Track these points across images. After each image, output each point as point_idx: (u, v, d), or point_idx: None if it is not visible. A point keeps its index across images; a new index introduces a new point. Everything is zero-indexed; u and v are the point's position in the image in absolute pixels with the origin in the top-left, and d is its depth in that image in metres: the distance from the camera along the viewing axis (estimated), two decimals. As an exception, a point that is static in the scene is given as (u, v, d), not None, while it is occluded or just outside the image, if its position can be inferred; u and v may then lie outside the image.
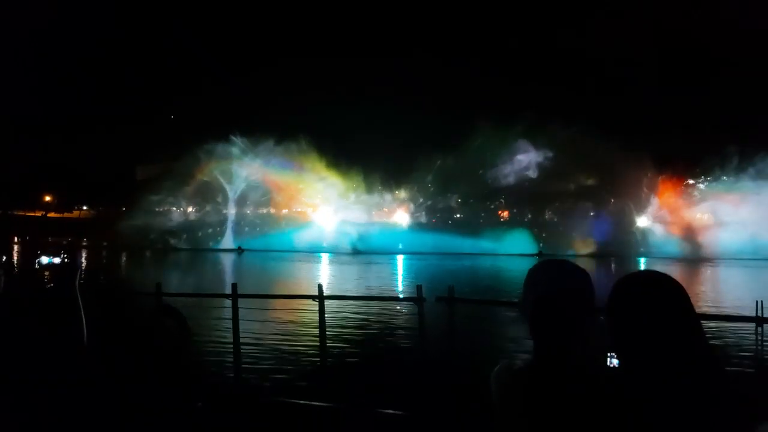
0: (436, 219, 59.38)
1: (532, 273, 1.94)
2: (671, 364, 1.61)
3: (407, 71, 65.24)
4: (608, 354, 3.05)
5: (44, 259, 2.82)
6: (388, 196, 59.63)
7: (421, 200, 59.35)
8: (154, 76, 66.78)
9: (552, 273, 1.90)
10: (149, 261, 41.79)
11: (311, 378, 9.46)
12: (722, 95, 56.32)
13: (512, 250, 48.53)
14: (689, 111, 56.75)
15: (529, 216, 60.02)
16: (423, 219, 59.05)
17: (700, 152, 51.24)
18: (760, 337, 8.67)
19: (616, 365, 3.14)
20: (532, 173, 55.30)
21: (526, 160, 54.77)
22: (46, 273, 2.84)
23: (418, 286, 11.34)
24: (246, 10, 72.81)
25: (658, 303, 1.68)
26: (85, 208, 77.15)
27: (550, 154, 53.37)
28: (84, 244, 54.81)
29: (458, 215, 62.17)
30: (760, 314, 8.33)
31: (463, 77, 66.12)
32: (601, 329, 1.87)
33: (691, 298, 1.70)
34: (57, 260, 2.84)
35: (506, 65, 66.70)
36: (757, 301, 8.50)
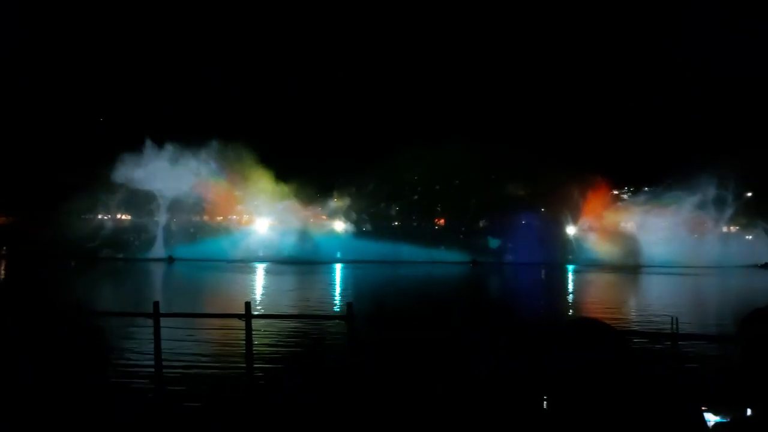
0: (373, 226, 59.39)
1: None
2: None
3: (342, 79, 65.01)
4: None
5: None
6: (325, 204, 59.22)
7: (359, 207, 59.19)
8: (82, 76, 63.28)
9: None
10: (73, 272, 39.65)
11: (234, 406, 9.11)
12: (649, 110, 59.18)
13: (448, 258, 49.38)
14: (618, 124, 59.34)
15: (464, 225, 61.12)
16: (361, 226, 58.94)
17: (626, 165, 53.79)
18: (675, 354, 9.00)
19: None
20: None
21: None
22: None
23: (348, 303, 11.20)
24: (178, 8, 70.39)
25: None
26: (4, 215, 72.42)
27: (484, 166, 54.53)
28: (3, 252, 51.73)
29: (396, 223, 62.58)
30: (675, 331, 8.66)
31: (399, 85, 66.56)
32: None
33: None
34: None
35: (440, 78, 67.63)
36: (672, 318, 8.83)
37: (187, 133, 53.47)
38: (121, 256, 50.43)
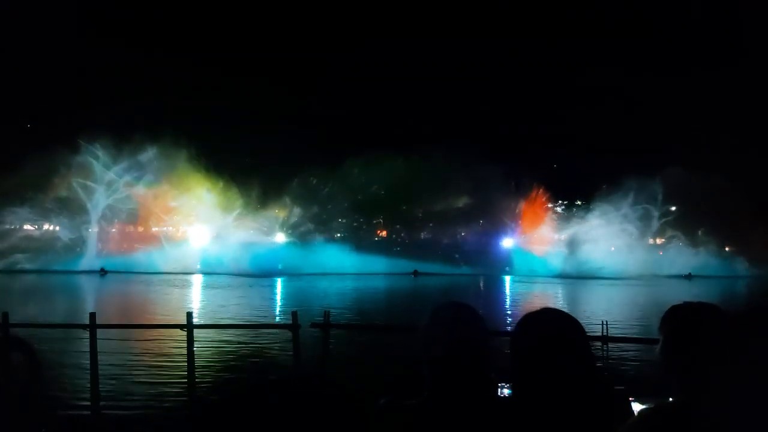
0: (315, 238, 59.01)
1: (438, 318, 2.02)
2: (563, 392, 1.81)
3: (283, 87, 64.73)
4: (499, 385, 3.22)
5: None
6: (266, 215, 58.34)
7: (301, 219, 58.73)
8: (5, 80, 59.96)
9: (455, 319, 2.01)
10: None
11: (175, 420, 8.94)
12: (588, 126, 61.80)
13: (390, 269, 49.78)
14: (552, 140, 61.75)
15: (406, 235, 61.84)
16: (303, 238, 58.39)
17: (560, 179, 56.09)
18: (606, 354, 9.55)
19: (507, 395, 3.34)
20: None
21: None
22: None
23: (293, 312, 11.19)
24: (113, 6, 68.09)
25: (554, 342, 1.88)
26: None
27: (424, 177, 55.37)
28: None
29: (338, 234, 62.45)
30: (605, 333, 9.18)
31: (343, 95, 66.98)
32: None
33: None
34: None
35: (382, 90, 68.55)
36: (602, 321, 9.35)
37: (121, 139, 51.69)
38: (48, 268, 47.84)
